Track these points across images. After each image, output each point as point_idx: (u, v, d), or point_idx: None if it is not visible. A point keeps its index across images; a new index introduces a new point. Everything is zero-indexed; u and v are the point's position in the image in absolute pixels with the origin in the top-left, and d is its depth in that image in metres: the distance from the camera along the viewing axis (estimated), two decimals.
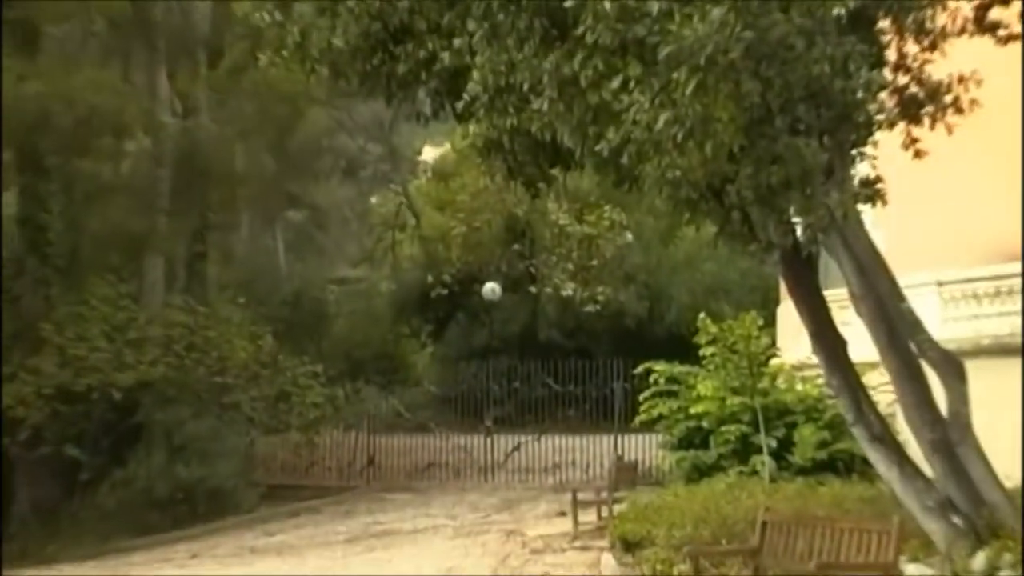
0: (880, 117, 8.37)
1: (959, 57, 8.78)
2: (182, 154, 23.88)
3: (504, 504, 21.17)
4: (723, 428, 17.62)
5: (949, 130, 8.67)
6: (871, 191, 8.36)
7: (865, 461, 12.27)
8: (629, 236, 36.52)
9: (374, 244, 48.66)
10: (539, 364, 26.27)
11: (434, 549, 16.07)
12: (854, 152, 8.67)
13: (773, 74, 7.30)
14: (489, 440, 25.52)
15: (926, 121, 8.71)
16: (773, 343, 18.87)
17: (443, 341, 40.13)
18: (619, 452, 23.18)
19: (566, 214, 35.60)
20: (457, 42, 8.55)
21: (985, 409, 10.17)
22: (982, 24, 9.18)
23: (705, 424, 18.00)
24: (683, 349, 20.39)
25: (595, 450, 23.84)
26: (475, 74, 8.27)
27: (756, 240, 8.59)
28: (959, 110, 8.57)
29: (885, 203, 8.38)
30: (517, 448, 25.18)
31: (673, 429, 18.80)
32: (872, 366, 11.02)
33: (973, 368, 10.17)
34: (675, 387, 18.98)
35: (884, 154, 8.81)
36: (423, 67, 9.14)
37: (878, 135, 8.66)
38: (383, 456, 26.31)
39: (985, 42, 9.29)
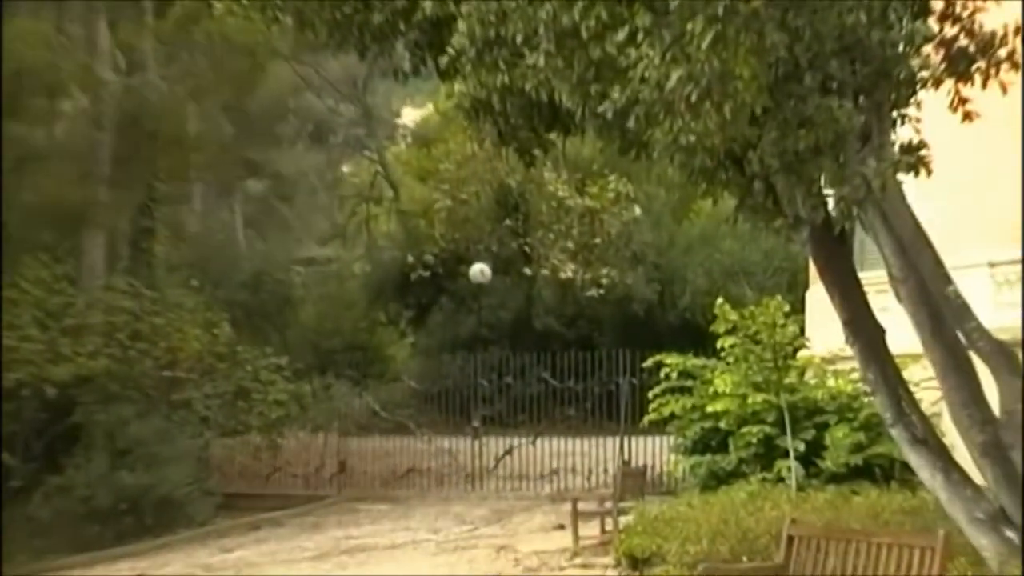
0: (924, 74, 8.32)
1: (1015, 5, 8.75)
2: (126, 116, 23.79)
3: (494, 515, 21.22)
4: (744, 429, 17.65)
5: (1004, 89, 8.64)
6: (913, 159, 8.31)
7: (906, 467, 12.30)
8: (637, 210, 36.53)
9: (346, 219, 48.82)
10: (534, 356, 26.25)
11: (414, 567, 16.13)
12: (894, 114, 8.63)
13: (802, 24, 7.27)
14: (477, 443, 25.54)
15: (977, 78, 8.67)
16: (801, 332, 18.85)
17: (425, 330, 40.13)
18: (625, 456, 23.24)
19: (565, 185, 35.63)
20: None
21: None
22: None
23: (723, 425, 18.02)
24: (698, 339, 20.42)
25: (598, 454, 23.89)
26: (461, 24, 8.22)
27: (782, 215, 8.58)
28: (1015, 65, 8.53)
29: (930, 172, 8.33)
30: (509, 452, 25.21)
31: (687, 430, 18.83)
32: (914, 358, 11.02)
33: None
34: (689, 382, 18.98)
35: (929, 117, 8.78)
36: (401, 16, 9.10)
37: (922, 94, 8.63)
38: (356, 461, 26.33)
39: None
